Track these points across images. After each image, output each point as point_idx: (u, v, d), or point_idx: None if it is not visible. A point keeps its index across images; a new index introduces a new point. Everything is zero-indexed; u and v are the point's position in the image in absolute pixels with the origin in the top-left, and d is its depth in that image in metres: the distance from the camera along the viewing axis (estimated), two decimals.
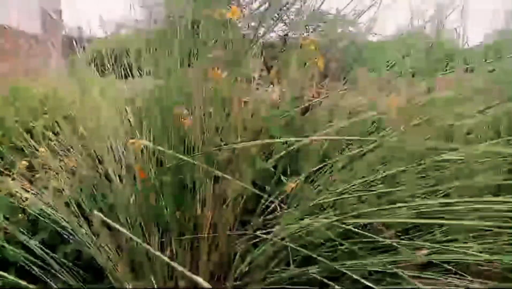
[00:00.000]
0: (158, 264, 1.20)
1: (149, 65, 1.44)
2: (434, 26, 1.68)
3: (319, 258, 0.92)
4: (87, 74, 1.72)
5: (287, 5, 1.50)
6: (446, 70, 1.85)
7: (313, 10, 1.64)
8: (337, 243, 1.01)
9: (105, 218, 0.66)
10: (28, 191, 1.52)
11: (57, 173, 1.44)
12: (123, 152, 1.28)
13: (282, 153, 1.12)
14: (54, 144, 1.55)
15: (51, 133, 1.81)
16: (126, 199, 1.20)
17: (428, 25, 1.64)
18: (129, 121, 1.44)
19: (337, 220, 0.91)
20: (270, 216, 1.09)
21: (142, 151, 1.15)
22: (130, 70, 1.55)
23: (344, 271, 0.91)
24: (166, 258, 0.67)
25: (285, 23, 2.12)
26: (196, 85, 1.19)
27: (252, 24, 1.42)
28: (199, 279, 0.55)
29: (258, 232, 0.99)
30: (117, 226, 0.66)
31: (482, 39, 2.14)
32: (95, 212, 0.71)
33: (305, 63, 1.38)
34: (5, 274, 1.18)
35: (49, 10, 9.64)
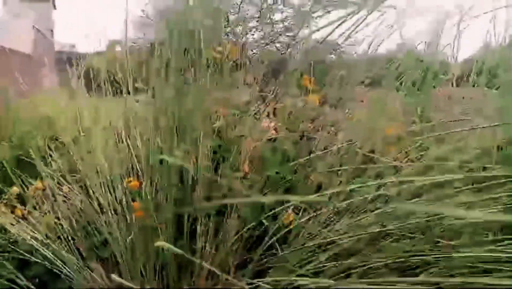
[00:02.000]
0: None
1: (143, 86, 1.41)
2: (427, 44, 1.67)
3: None
4: (81, 97, 1.69)
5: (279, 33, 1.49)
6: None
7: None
8: None
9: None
10: (18, 223, 1.47)
11: (49, 210, 1.40)
12: (118, 186, 1.25)
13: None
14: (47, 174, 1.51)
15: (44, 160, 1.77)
16: (122, 235, 1.17)
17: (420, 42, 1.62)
18: (125, 146, 1.41)
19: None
20: (270, 254, 1.07)
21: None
22: (123, 89, 1.52)
23: None
24: None
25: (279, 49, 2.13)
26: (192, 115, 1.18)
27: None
28: None
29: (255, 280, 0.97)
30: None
31: (472, 54, 2.10)
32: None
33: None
34: None
35: (41, 29, 9.65)
